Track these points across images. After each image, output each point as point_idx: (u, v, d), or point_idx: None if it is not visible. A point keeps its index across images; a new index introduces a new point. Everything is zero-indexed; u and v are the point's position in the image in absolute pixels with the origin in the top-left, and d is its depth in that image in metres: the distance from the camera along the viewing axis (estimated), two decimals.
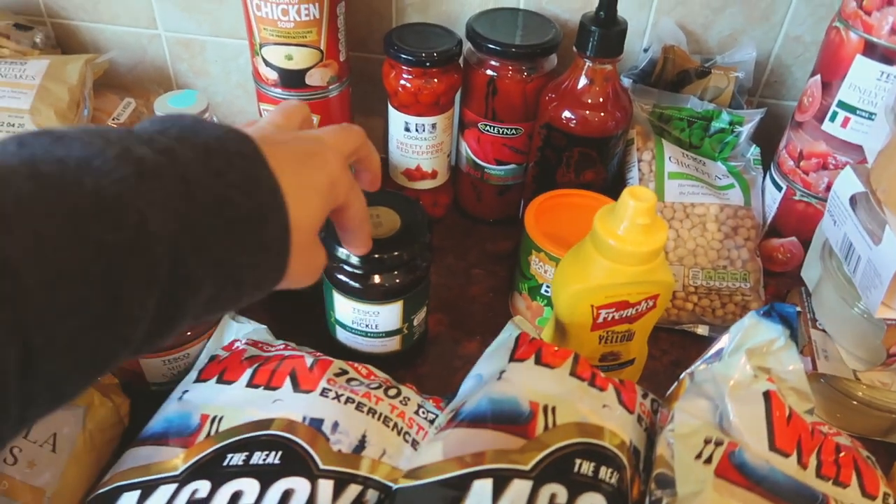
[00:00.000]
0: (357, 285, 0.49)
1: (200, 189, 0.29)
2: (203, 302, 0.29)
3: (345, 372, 0.46)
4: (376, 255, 0.47)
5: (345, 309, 0.51)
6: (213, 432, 0.41)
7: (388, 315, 0.51)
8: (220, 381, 0.45)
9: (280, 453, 0.39)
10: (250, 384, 0.44)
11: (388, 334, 0.52)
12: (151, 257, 0.26)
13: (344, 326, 0.52)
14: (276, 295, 0.60)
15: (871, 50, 0.48)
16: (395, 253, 0.48)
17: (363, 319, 0.51)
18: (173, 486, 0.38)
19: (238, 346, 0.49)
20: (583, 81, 0.56)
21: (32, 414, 0.25)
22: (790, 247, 0.60)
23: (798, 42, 0.64)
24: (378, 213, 0.50)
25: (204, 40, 0.72)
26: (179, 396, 0.45)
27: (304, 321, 0.59)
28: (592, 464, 0.38)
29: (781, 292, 0.61)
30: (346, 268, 0.48)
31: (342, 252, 0.47)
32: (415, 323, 0.53)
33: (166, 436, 0.42)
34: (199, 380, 0.46)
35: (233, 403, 0.43)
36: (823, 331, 0.54)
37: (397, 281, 0.49)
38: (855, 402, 0.52)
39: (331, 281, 0.50)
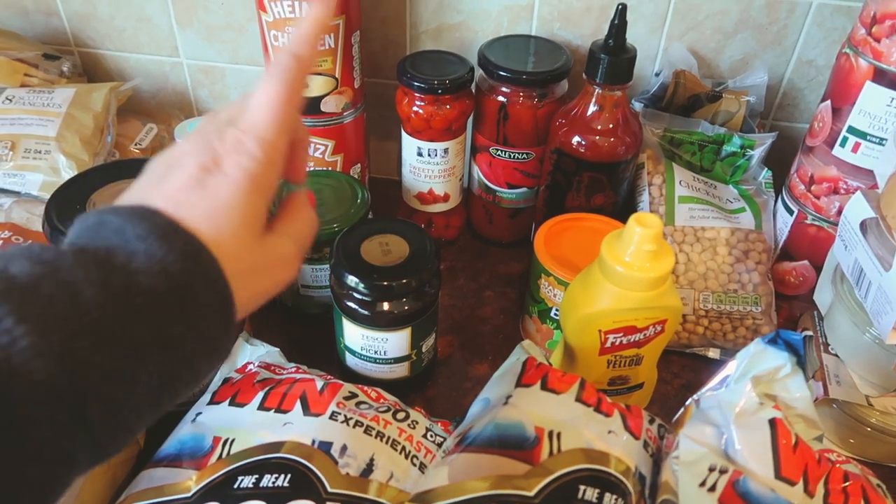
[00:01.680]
0: (365, 312, 0.50)
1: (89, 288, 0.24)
2: (146, 393, 0.25)
3: (354, 395, 0.47)
4: (385, 283, 0.48)
5: (354, 335, 0.52)
6: (225, 454, 0.42)
7: (396, 342, 0.51)
8: (232, 403, 0.46)
9: (289, 476, 0.40)
10: (262, 407, 0.45)
11: (397, 360, 0.53)
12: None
13: (353, 353, 0.53)
14: (289, 317, 0.62)
15: (880, 76, 0.48)
16: (404, 280, 0.48)
17: (372, 346, 0.52)
18: None
19: (251, 369, 0.50)
20: (592, 108, 0.56)
21: None
22: (802, 270, 0.60)
23: (811, 66, 0.64)
24: (387, 240, 0.51)
25: (224, 67, 0.74)
26: (193, 418, 0.46)
27: (316, 343, 0.60)
28: (597, 490, 0.38)
29: (794, 315, 0.61)
30: (356, 295, 0.49)
31: (351, 280, 0.48)
32: (423, 349, 0.54)
33: (180, 457, 0.43)
34: (212, 402, 0.47)
35: (245, 426, 0.44)
36: (836, 355, 0.53)
37: (405, 308, 0.50)
38: (868, 429, 0.52)
39: (340, 308, 0.51)
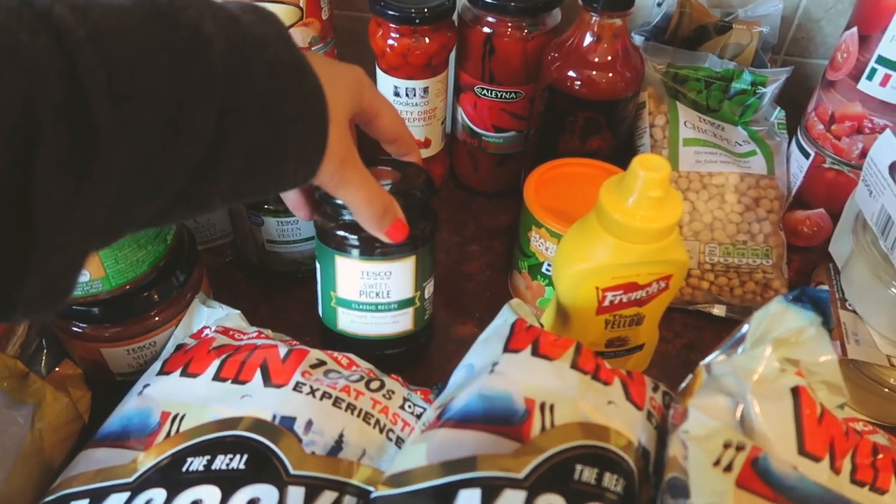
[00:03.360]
0: (365, 239, 0.43)
1: (241, 24, 0.30)
2: (247, 151, 0.30)
3: (322, 363, 0.42)
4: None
5: (351, 277, 0.45)
6: (173, 432, 0.37)
7: (400, 276, 0.45)
8: (184, 373, 0.41)
9: (245, 457, 0.35)
10: (217, 377, 0.40)
11: (401, 305, 0.47)
12: (208, 62, 0.27)
13: (349, 305, 0.47)
14: (254, 276, 0.57)
15: None
16: (405, 193, 0.43)
17: (373, 286, 0.45)
18: (125, 495, 0.35)
19: (207, 334, 0.45)
20: (589, 38, 0.50)
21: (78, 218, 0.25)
22: (817, 219, 0.55)
23: None
24: (374, 173, 0.45)
25: None
26: (140, 391, 0.41)
27: (285, 304, 0.55)
28: (595, 470, 0.33)
29: (807, 269, 0.56)
30: (352, 221, 0.42)
31: (338, 202, 0.42)
32: (426, 294, 0.48)
33: (124, 436, 0.38)
34: (161, 372, 0.42)
35: (197, 399, 0.39)
36: (854, 312, 0.49)
37: (409, 227, 0.43)
38: (887, 390, 0.48)
39: (330, 244, 0.45)
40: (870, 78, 0.47)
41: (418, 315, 0.48)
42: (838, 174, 0.52)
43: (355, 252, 0.44)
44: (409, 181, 0.45)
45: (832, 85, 0.50)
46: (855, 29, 0.47)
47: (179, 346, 0.44)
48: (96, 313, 0.43)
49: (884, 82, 0.46)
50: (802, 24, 0.60)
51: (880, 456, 0.35)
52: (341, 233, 0.44)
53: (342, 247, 0.44)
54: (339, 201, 0.42)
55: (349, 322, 0.47)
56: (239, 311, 0.47)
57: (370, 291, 0.46)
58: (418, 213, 0.44)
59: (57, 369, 0.45)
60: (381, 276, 0.45)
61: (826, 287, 0.52)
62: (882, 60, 0.46)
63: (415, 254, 0.45)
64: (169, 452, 0.36)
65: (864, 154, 0.49)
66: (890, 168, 0.43)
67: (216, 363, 0.41)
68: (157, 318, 0.45)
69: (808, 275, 0.56)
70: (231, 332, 0.45)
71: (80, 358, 0.46)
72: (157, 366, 0.43)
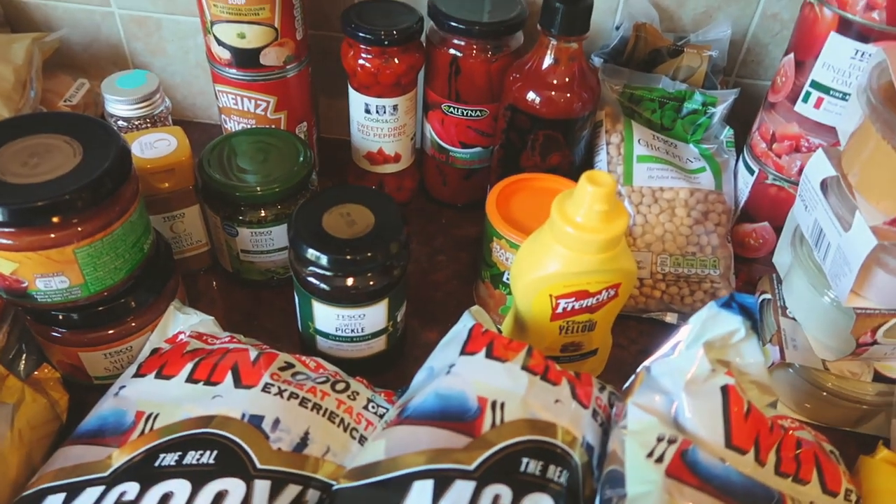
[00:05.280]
0: (342, 291, 0.46)
1: None
2: None
3: (291, 366, 0.44)
4: (364, 255, 0.45)
5: (327, 317, 0.48)
6: (147, 430, 0.39)
7: (374, 316, 0.48)
8: (159, 375, 0.43)
9: (215, 453, 0.38)
10: (190, 379, 0.42)
11: (375, 335, 0.50)
12: None
13: (326, 336, 0.50)
14: (229, 284, 0.59)
15: (845, 27, 0.46)
16: (381, 250, 0.45)
17: (348, 325, 0.48)
18: (100, 489, 0.37)
19: (181, 339, 0.47)
20: (548, 61, 0.53)
21: None
22: (762, 232, 0.58)
23: (775, 20, 0.62)
24: (347, 210, 0.48)
25: (159, 18, 0.69)
26: (116, 392, 0.43)
27: (259, 311, 0.57)
28: (540, 463, 0.36)
29: (754, 279, 0.59)
30: (329, 274, 0.45)
31: (323, 259, 0.45)
32: (398, 318, 0.51)
33: (99, 434, 0.40)
34: (137, 374, 0.44)
35: (170, 400, 0.41)
36: (793, 319, 0.52)
37: (384, 280, 0.47)
38: (825, 393, 0.51)
39: (308, 290, 0.47)
40: (805, 100, 0.50)
41: (391, 337, 0.51)
42: (780, 190, 0.55)
43: (330, 300, 0.47)
44: (383, 229, 0.46)
45: (773, 106, 0.53)
46: (792, 55, 0.50)
47: (155, 351, 0.46)
48: (75, 319, 0.45)
49: (817, 104, 0.49)
50: (751, 48, 0.64)
51: (803, 449, 0.38)
52: (314, 281, 0.46)
53: (318, 293, 0.47)
54: (309, 250, 0.45)
55: (327, 347, 0.50)
56: (212, 318, 0.49)
57: (346, 328, 0.49)
58: (392, 260, 0.47)
59: (36, 373, 0.47)
60: (355, 318, 0.48)
61: (769, 296, 0.55)
62: (815, 84, 0.49)
63: (388, 296, 0.48)
64: (142, 449, 0.38)
65: (801, 171, 0.52)
66: (822, 184, 0.46)
67: (189, 366, 0.43)
68: (133, 324, 0.47)
69: (755, 284, 0.59)
70: (205, 337, 0.47)
71: (59, 362, 0.48)
72: (132, 368, 0.45)
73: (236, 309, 0.58)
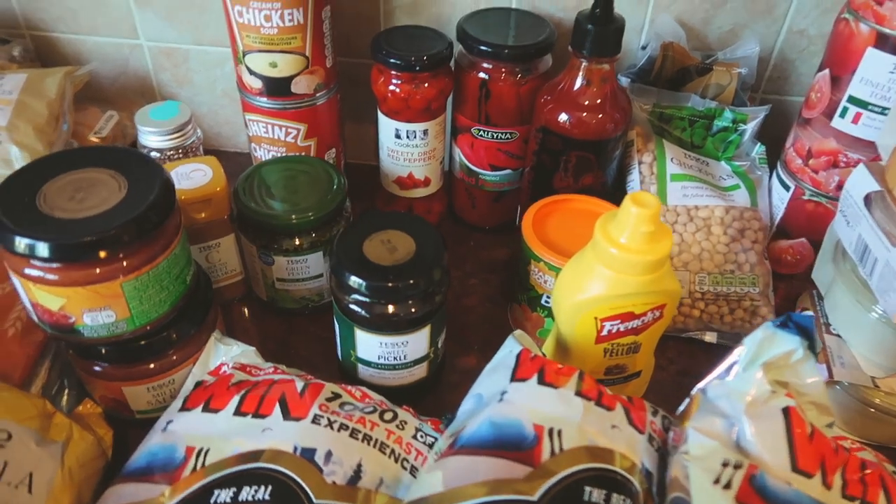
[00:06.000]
0: (385, 318, 0.46)
1: None
2: None
3: (338, 396, 0.44)
4: (406, 282, 0.45)
5: (370, 345, 0.48)
6: (199, 466, 0.39)
7: (416, 343, 0.48)
8: (206, 409, 0.43)
9: (270, 488, 0.37)
10: (238, 412, 0.42)
11: (417, 362, 0.49)
12: None
13: (369, 364, 0.49)
14: (264, 313, 0.58)
15: (883, 42, 0.46)
16: (424, 277, 0.45)
17: (391, 353, 0.48)
18: None
19: (225, 371, 0.46)
20: (579, 82, 0.53)
21: None
22: (800, 248, 0.58)
23: (802, 36, 0.62)
24: (388, 237, 0.48)
25: (187, 49, 0.69)
26: (164, 427, 0.43)
27: (296, 340, 0.57)
28: (603, 491, 0.35)
29: (792, 295, 0.59)
30: (372, 302, 0.45)
31: (367, 287, 0.45)
32: (439, 344, 0.51)
33: (150, 471, 0.40)
34: (184, 408, 0.43)
35: (220, 434, 0.41)
36: (838, 336, 0.51)
37: (427, 306, 0.46)
38: (872, 410, 0.50)
39: (351, 318, 0.47)
40: (842, 116, 0.50)
41: (432, 364, 0.51)
42: (817, 205, 0.55)
43: (374, 327, 0.47)
44: (424, 255, 0.46)
45: (808, 122, 0.53)
46: (827, 71, 0.51)
47: (199, 384, 0.46)
48: (118, 353, 0.45)
49: (855, 120, 0.49)
50: (778, 64, 0.64)
51: (868, 471, 0.37)
52: (356, 308, 0.46)
53: (361, 322, 0.47)
54: (352, 277, 0.45)
55: (368, 375, 0.50)
56: (254, 348, 0.49)
57: (389, 356, 0.48)
58: (435, 286, 0.46)
59: (79, 408, 0.47)
60: (398, 346, 0.48)
61: (811, 313, 0.55)
62: (853, 100, 0.49)
63: (430, 323, 0.48)
64: (196, 486, 0.38)
65: (840, 186, 0.52)
66: (865, 199, 0.46)
67: (236, 398, 0.43)
68: (174, 357, 0.47)
69: (794, 301, 0.58)
70: (248, 369, 0.47)
71: (101, 396, 0.48)
72: (178, 402, 0.45)
73: (271, 338, 0.57)
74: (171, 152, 0.59)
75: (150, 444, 0.42)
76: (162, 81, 0.72)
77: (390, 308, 0.46)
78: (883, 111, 0.48)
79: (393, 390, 0.50)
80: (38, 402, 0.41)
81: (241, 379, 0.45)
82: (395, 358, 0.48)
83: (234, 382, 0.44)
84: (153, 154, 0.59)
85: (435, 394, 0.53)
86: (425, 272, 0.45)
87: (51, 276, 0.39)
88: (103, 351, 0.45)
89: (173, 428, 0.42)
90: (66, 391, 0.48)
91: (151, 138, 0.58)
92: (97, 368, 0.46)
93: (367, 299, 0.45)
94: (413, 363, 0.49)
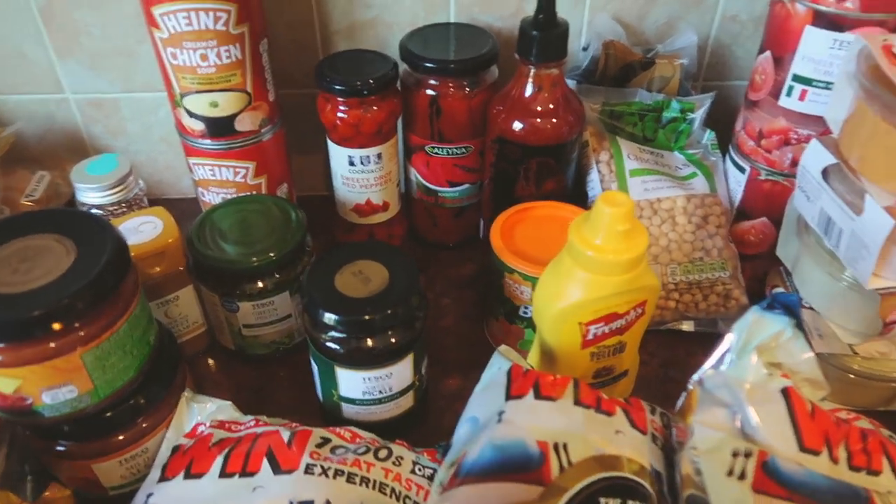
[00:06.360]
0: (363, 353, 0.44)
1: None
2: None
3: (327, 440, 0.42)
4: (384, 313, 0.43)
5: (353, 382, 0.46)
6: None
7: (400, 373, 0.46)
8: (188, 476, 0.40)
9: None
10: (224, 474, 0.39)
11: (402, 392, 0.48)
12: None
13: (352, 401, 0.47)
14: (232, 362, 0.56)
15: (819, 19, 0.47)
16: (402, 305, 0.44)
17: (375, 387, 0.46)
18: None
19: (203, 431, 0.44)
20: (530, 89, 0.53)
21: None
22: (762, 227, 0.58)
23: (735, 21, 0.63)
24: (360, 268, 0.46)
25: (117, 98, 0.66)
26: (144, 502, 0.40)
27: (272, 387, 0.54)
28: (618, 500, 0.34)
29: (759, 275, 0.60)
30: (345, 336, 0.43)
31: (330, 318, 0.43)
32: (423, 371, 0.49)
33: None
34: (163, 478, 0.41)
35: (207, 500, 0.38)
36: (811, 308, 0.52)
37: (408, 334, 0.45)
38: (852, 376, 0.51)
39: (329, 356, 0.45)
40: (789, 94, 0.51)
41: (418, 392, 0.49)
42: (774, 184, 0.55)
43: (355, 364, 0.45)
44: (398, 282, 0.45)
45: (756, 104, 0.54)
46: (768, 52, 0.51)
47: (176, 449, 0.43)
48: (83, 429, 0.42)
49: (802, 97, 0.50)
50: (715, 51, 0.65)
51: (869, 440, 0.37)
52: (334, 346, 0.44)
53: (338, 358, 0.45)
54: (327, 314, 0.43)
55: (354, 413, 0.48)
56: (230, 402, 0.46)
57: (373, 391, 0.46)
58: (413, 312, 0.45)
59: (46, 493, 0.43)
60: (382, 379, 0.46)
61: (781, 289, 0.55)
62: (797, 78, 0.50)
63: (412, 350, 0.46)
64: None
65: (794, 163, 0.53)
66: (822, 173, 0.47)
67: (220, 459, 0.40)
68: (145, 425, 0.44)
69: (761, 280, 0.59)
70: (227, 425, 0.44)
71: (69, 478, 0.44)
72: (156, 473, 0.42)
73: (245, 388, 0.55)
74: (114, 207, 0.56)
75: None
76: (93, 134, 0.69)
77: (370, 341, 0.44)
78: (827, 86, 0.49)
79: (381, 425, 0.48)
80: (2, 495, 0.38)
81: (221, 437, 0.42)
82: (380, 392, 0.46)
83: (214, 442, 0.42)
84: (95, 212, 0.56)
85: (424, 422, 0.52)
86: (402, 300, 0.44)
87: (1, 358, 0.36)
88: (66, 429, 0.42)
89: (155, 501, 0.39)
90: (29, 477, 0.44)
91: (91, 195, 0.55)
92: (61, 448, 0.42)
93: (345, 335, 0.44)
94: (399, 394, 0.47)
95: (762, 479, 0.33)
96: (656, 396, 0.45)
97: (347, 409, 0.48)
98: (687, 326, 0.58)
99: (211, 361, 0.57)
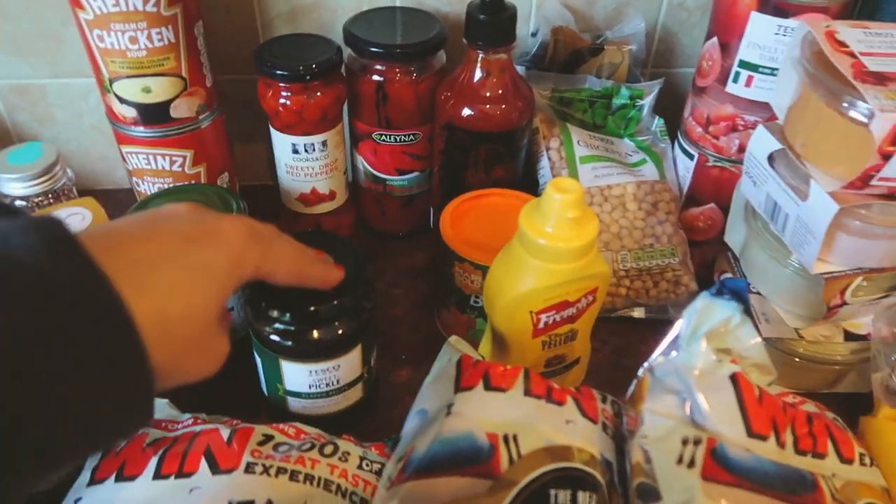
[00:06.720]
0: (309, 345, 0.42)
1: None
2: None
3: (270, 437, 0.40)
4: (331, 304, 0.41)
5: (299, 376, 0.44)
6: None
7: (348, 365, 0.45)
8: (119, 478, 0.38)
9: None
10: (158, 476, 0.37)
11: (351, 385, 0.46)
12: None
13: (299, 395, 0.45)
14: None
15: (765, 5, 0.47)
16: (348, 295, 0.42)
17: (322, 379, 0.44)
18: None
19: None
20: (478, 74, 0.52)
21: None
22: (710, 213, 0.59)
23: (682, 8, 0.64)
24: None
25: (43, 84, 0.62)
26: None
27: (216, 384, 0.52)
28: (568, 491, 0.34)
29: (707, 261, 0.60)
30: (289, 328, 0.42)
31: (274, 311, 0.41)
32: (372, 363, 0.48)
33: None
34: (93, 481, 0.38)
35: None
36: (759, 293, 0.52)
37: (356, 325, 0.43)
38: (797, 360, 0.51)
39: (273, 349, 0.43)
40: (735, 81, 0.51)
41: (367, 384, 0.48)
42: (722, 170, 0.56)
43: (300, 356, 0.43)
44: (353, 281, 0.43)
45: (703, 91, 0.54)
46: (715, 39, 0.52)
47: (108, 450, 0.41)
48: None
49: (748, 83, 0.51)
50: (663, 38, 0.65)
51: (814, 423, 0.38)
52: (279, 339, 0.42)
53: (283, 352, 0.43)
54: (270, 307, 0.41)
55: (300, 407, 0.46)
56: (167, 400, 0.44)
57: (320, 384, 0.45)
58: (361, 301, 0.44)
59: None
60: (329, 371, 0.44)
61: (729, 275, 0.56)
62: (743, 64, 0.50)
63: (360, 341, 0.45)
64: None
65: (741, 149, 0.53)
66: (769, 158, 0.47)
67: (154, 460, 0.38)
68: None
69: (710, 266, 0.60)
70: (164, 424, 0.42)
71: None
72: (86, 476, 0.39)
73: (184, 385, 0.52)
74: (40, 198, 0.53)
75: None
76: (18, 122, 0.65)
77: (315, 333, 0.42)
78: (773, 72, 0.49)
79: (330, 418, 0.47)
80: None
81: (157, 437, 0.40)
82: (327, 384, 0.45)
83: (149, 442, 0.40)
84: (18, 203, 0.52)
85: (373, 415, 0.50)
86: (348, 289, 0.42)
87: None
88: None
89: None
90: None
91: (14, 185, 0.52)
92: None
93: (289, 327, 0.42)
94: (347, 386, 0.46)
95: (711, 466, 0.33)
96: (608, 384, 0.45)
97: (294, 403, 0.46)
98: (638, 313, 0.58)
99: None
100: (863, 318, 0.51)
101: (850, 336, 0.50)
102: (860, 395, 0.50)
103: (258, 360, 0.45)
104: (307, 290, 0.42)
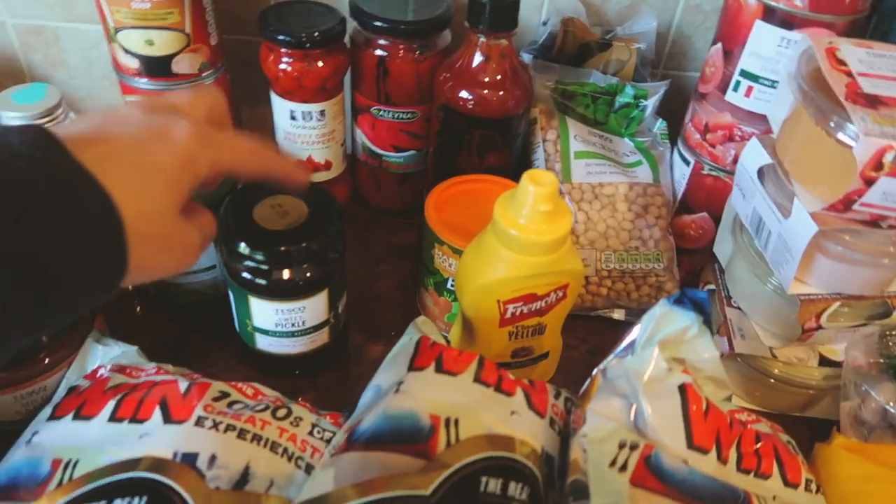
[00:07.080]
0: (277, 284, 0.44)
1: None
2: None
3: (226, 395, 0.41)
4: (299, 245, 0.43)
5: (265, 313, 0.46)
6: (66, 480, 0.36)
7: (314, 308, 0.46)
8: (77, 417, 0.39)
9: (145, 499, 0.34)
10: (113, 418, 0.39)
11: (316, 328, 0.48)
12: None
13: (266, 332, 0.47)
14: (153, 310, 0.55)
15: (770, 15, 0.46)
16: (318, 238, 0.43)
17: (288, 319, 0.46)
18: None
19: (102, 374, 0.43)
20: (478, 58, 0.52)
21: None
22: (702, 223, 0.58)
23: (698, 11, 0.62)
24: (279, 202, 0.46)
25: (57, 27, 0.64)
26: (28, 439, 0.39)
27: (190, 336, 0.53)
28: (500, 480, 0.34)
29: (695, 270, 0.59)
30: (265, 267, 0.43)
31: (245, 248, 0.43)
32: (339, 309, 0.49)
33: (12, 489, 0.36)
34: (52, 417, 0.40)
35: (91, 443, 0.37)
36: (738, 308, 0.52)
37: (323, 269, 0.45)
38: (772, 380, 0.51)
39: (244, 286, 0.45)
40: (735, 90, 0.50)
41: (334, 329, 0.49)
42: (716, 180, 0.55)
43: (268, 294, 0.45)
44: (317, 218, 0.45)
45: (704, 97, 0.53)
46: (720, 45, 0.51)
47: (72, 389, 0.42)
48: None
49: (747, 93, 0.50)
50: (676, 40, 0.64)
51: (762, 443, 0.38)
52: (249, 276, 0.44)
53: (253, 288, 0.44)
54: (242, 244, 0.42)
55: (267, 344, 0.48)
56: (136, 348, 0.45)
57: (286, 323, 0.46)
58: (329, 248, 0.45)
59: None
60: (295, 312, 0.46)
61: (713, 287, 0.55)
62: (744, 73, 0.49)
63: (327, 286, 0.45)
64: (61, 501, 0.34)
65: (736, 160, 0.52)
66: (758, 172, 0.46)
67: (112, 403, 0.39)
68: (46, 361, 0.43)
69: (698, 275, 0.59)
70: (128, 370, 0.43)
71: None
72: (47, 411, 0.41)
73: (164, 336, 0.54)
74: None
75: (12, 459, 0.38)
76: (33, 63, 0.66)
77: (285, 273, 0.44)
78: (773, 84, 0.48)
79: (295, 359, 0.49)
80: None
81: (119, 382, 0.42)
82: (293, 325, 0.46)
83: (110, 386, 0.41)
84: None
85: (341, 385, 0.51)
86: (318, 234, 0.43)
87: None
88: None
89: (39, 440, 0.38)
90: None
91: (15, 123, 0.53)
92: None
93: (259, 266, 0.43)
94: (313, 329, 0.47)
95: (642, 472, 0.33)
96: (580, 382, 0.45)
97: (261, 341, 0.48)
98: (618, 315, 0.57)
99: (131, 306, 0.55)
100: (840, 345, 0.50)
101: (825, 361, 0.50)
102: (833, 421, 0.49)
103: (231, 296, 0.47)
104: (279, 231, 0.43)
